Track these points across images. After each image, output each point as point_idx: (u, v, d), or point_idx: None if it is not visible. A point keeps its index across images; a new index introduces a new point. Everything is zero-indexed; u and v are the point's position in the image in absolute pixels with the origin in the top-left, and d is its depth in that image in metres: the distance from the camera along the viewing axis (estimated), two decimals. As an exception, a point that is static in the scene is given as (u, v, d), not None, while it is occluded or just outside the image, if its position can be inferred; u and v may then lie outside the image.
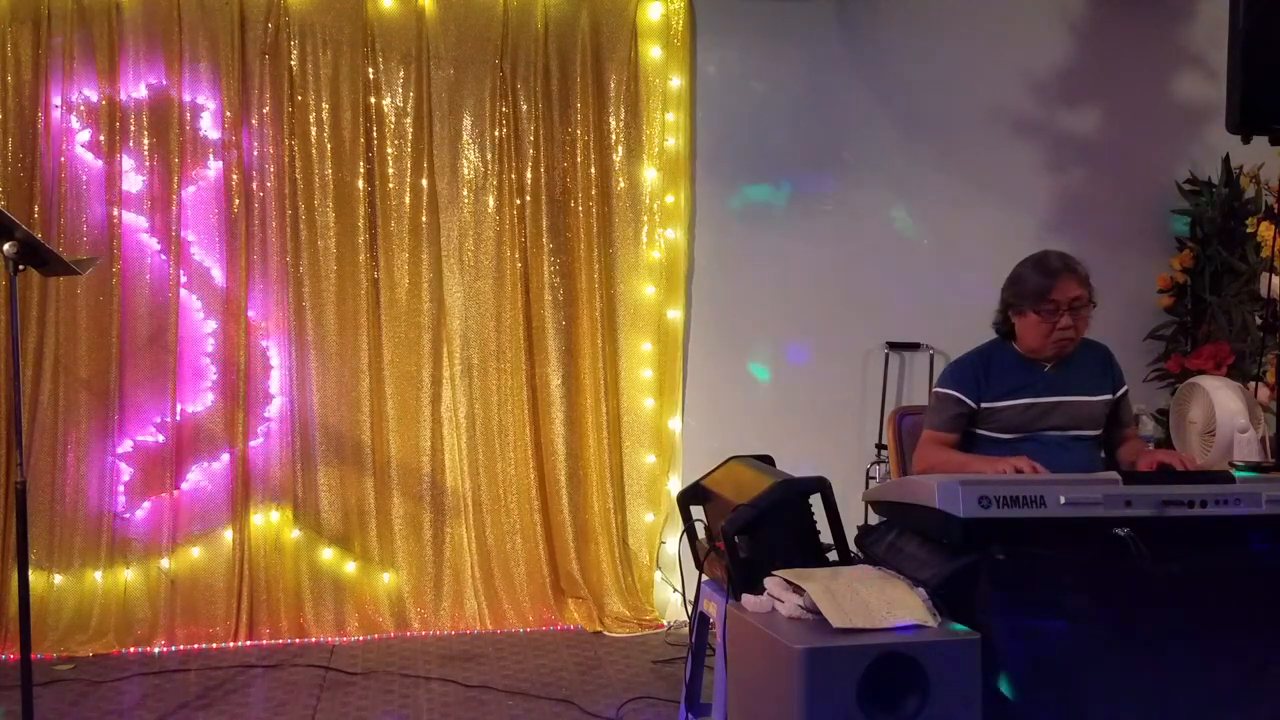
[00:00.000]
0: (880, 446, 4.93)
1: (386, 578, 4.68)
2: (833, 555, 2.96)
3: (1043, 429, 3.26)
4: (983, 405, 3.29)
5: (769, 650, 2.47)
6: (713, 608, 3.06)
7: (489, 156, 4.73)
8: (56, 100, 4.41)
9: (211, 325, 4.56)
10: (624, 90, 4.78)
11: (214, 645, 4.48)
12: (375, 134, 4.65)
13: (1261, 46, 3.31)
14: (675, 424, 4.93)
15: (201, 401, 4.56)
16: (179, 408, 4.52)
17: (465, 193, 4.73)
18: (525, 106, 4.72)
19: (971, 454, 3.26)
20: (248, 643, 4.51)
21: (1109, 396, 3.35)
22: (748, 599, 2.66)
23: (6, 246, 3.25)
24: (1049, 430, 3.26)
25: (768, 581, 2.64)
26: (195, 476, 4.56)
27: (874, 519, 3.13)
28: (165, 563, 4.49)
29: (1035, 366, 3.31)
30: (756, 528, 2.81)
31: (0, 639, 4.34)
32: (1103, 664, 2.48)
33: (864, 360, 5.09)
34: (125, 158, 4.47)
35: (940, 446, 3.29)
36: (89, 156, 4.47)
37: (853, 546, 3.03)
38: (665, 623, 4.77)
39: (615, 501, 4.81)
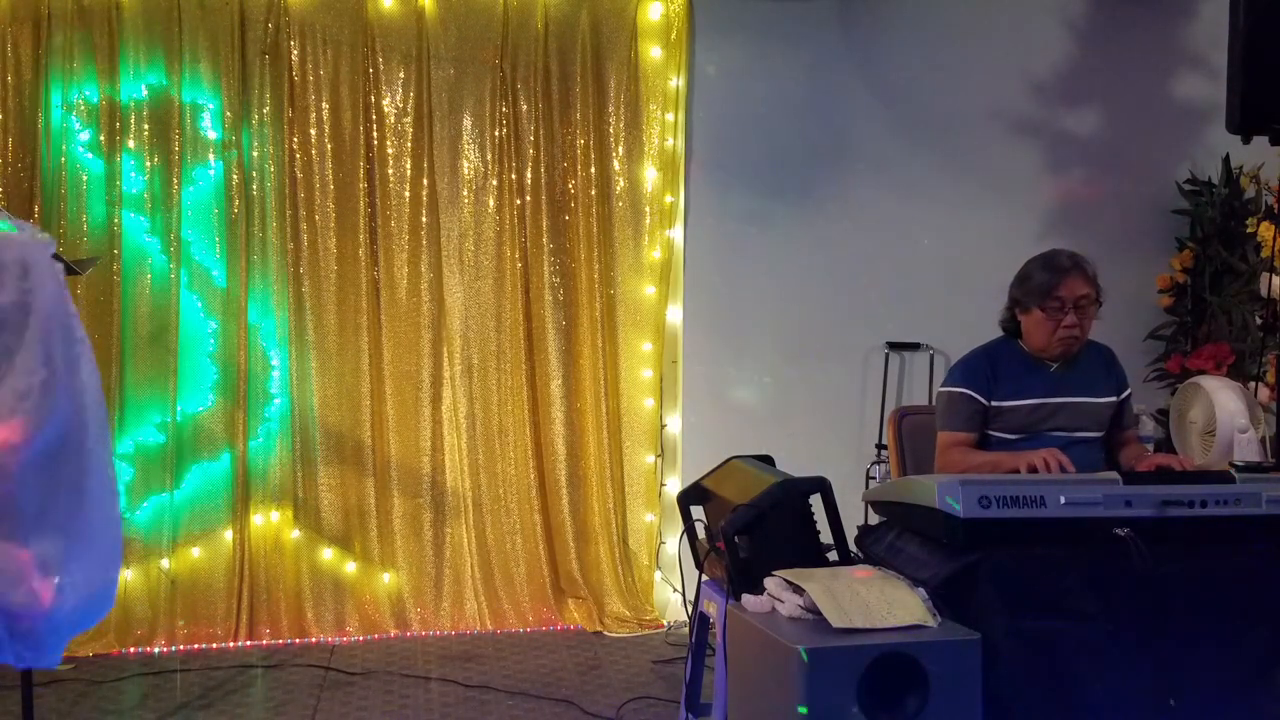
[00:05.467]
0: (880, 446, 4.93)
1: (386, 578, 4.68)
2: (833, 555, 2.96)
3: (1048, 429, 3.24)
4: (992, 403, 3.26)
5: (769, 650, 2.47)
6: (713, 608, 3.06)
7: (489, 157, 4.73)
8: (57, 100, 4.41)
9: (212, 325, 4.56)
10: (624, 90, 4.78)
11: (214, 645, 4.48)
12: (375, 134, 4.66)
13: (1261, 46, 3.31)
14: (675, 424, 4.93)
15: (202, 401, 4.57)
16: (179, 408, 4.52)
17: (465, 193, 4.73)
18: (525, 107, 4.72)
19: (996, 453, 3.18)
20: (248, 643, 4.51)
21: (1114, 399, 3.34)
22: (748, 599, 2.66)
23: (6, 246, 3.25)
24: (1054, 431, 3.24)
25: (768, 581, 2.64)
26: (195, 476, 4.55)
27: (874, 519, 3.13)
28: (165, 563, 4.49)
29: (1042, 366, 3.29)
30: (756, 528, 2.81)
31: (0, 639, 4.34)
32: (1103, 664, 2.48)
33: (864, 360, 5.08)
34: (125, 158, 4.47)
35: (964, 449, 3.23)
36: (89, 156, 4.46)
37: (853, 546, 3.03)
38: (665, 623, 4.77)
39: (615, 501, 4.81)
